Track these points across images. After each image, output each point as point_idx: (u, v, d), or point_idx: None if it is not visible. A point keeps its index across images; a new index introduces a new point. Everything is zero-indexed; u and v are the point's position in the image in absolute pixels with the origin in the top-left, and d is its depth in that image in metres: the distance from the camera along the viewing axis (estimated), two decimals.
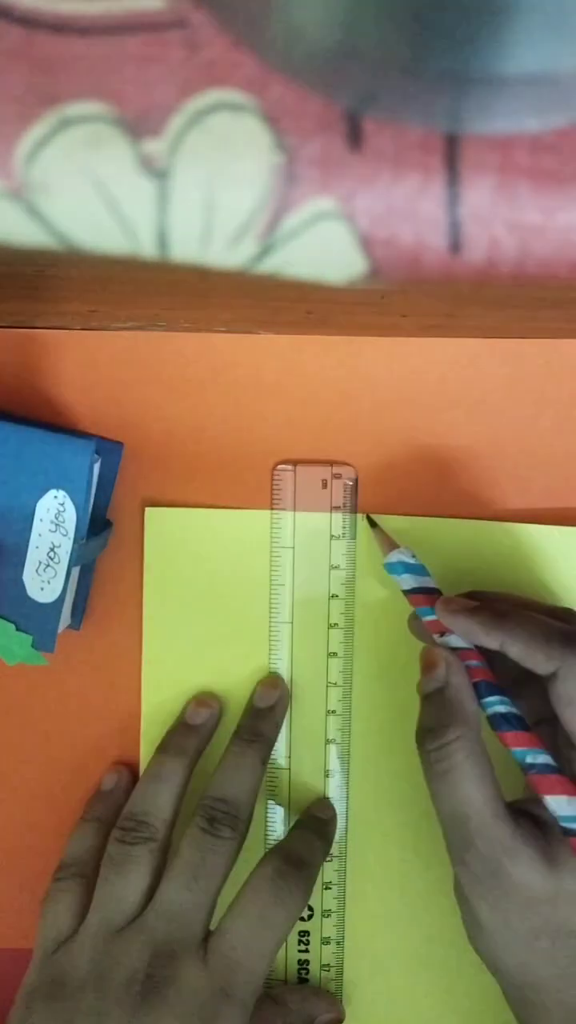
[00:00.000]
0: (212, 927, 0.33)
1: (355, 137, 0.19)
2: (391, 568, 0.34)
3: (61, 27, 0.19)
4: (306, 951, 0.38)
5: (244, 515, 0.37)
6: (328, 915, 0.38)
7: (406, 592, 0.34)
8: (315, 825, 0.36)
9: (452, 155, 0.19)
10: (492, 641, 0.31)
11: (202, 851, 0.33)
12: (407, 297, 0.30)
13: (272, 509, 0.37)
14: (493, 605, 0.32)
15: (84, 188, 0.19)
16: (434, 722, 0.31)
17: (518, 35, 0.17)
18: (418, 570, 0.34)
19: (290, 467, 0.37)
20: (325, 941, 0.38)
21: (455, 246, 0.19)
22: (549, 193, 0.19)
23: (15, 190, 0.19)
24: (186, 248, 0.20)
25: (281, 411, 0.37)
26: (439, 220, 0.19)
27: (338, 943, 0.38)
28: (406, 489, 0.37)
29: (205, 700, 0.37)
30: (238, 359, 0.37)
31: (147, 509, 0.37)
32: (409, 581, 0.34)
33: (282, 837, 0.37)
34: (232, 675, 0.38)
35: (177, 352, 0.37)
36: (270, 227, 0.19)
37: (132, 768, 0.38)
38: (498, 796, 0.30)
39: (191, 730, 0.37)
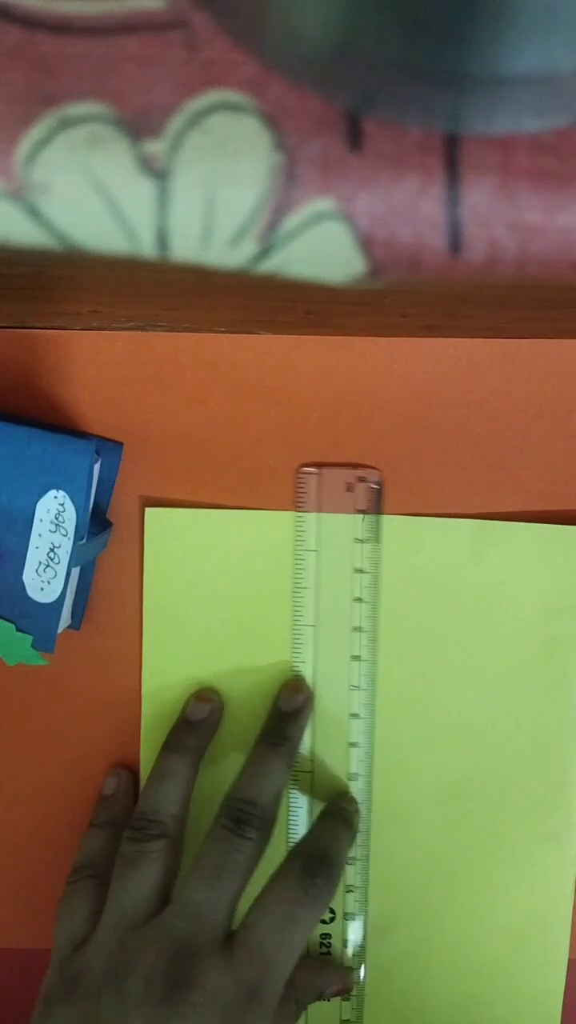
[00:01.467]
0: (232, 927, 0.33)
1: (355, 137, 0.19)
2: None
3: (61, 27, 0.19)
4: (328, 953, 0.38)
5: (246, 515, 0.37)
6: (351, 918, 0.38)
7: None
8: (340, 815, 0.36)
9: (452, 155, 0.19)
10: None
11: (226, 850, 0.33)
12: (407, 297, 0.30)
13: (296, 511, 0.37)
14: None
15: (84, 188, 0.19)
16: None
17: (518, 35, 0.17)
18: None
19: (314, 470, 0.37)
20: (346, 944, 0.38)
21: (455, 246, 0.19)
22: (549, 193, 0.19)
23: (15, 190, 0.19)
24: (186, 248, 0.20)
25: (281, 411, 0.37)
26: (439, 220, 0.19)
27: (359, 945, 0.38)
28: (405, 488, 0.37)
29: (205, 695, 0.37)
30: (238, 359, 0.37)
31: (147, 509, 0.37)
32: None
33: (300, 838, 0.37)
34: (236, 675, 0.38)
35: (177, 352, 0.37)
36: (270, 227, 0.19)
37: (130, 768, 0.38)
38: None
39: (193, 726, 0.37)
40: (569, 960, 0.38)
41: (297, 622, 0.37)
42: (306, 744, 0.38)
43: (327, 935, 0.38)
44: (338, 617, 0.37)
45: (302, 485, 0.37)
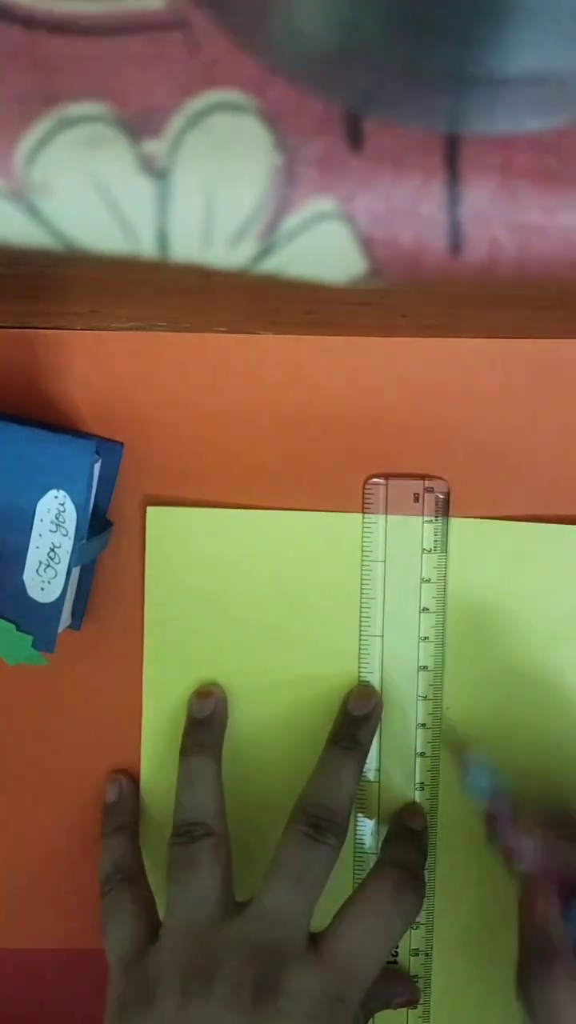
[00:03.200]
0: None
1: (355, 137, 0.19)
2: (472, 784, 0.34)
3: (61, 27, 0.19)
4: (395, 963, 0.38)
5: (247, 515, 0.37)
6: (417, 927, 0.38)
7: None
8: (412, 837, 0.36)
9: (452, 155, 0.19)
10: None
11: (305, 855, 0.33)
12: (407, 297, 0.30)
13: (364, 515, 0.37)
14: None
15: (84, 188, 0.19)
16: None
17: (518, 35, 0.17)
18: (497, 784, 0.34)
19: (382, 481, 0.37)
20: (415, 952, 0.38)
21: (455, 246, 0.19)
22: (549, 193, 0.19)
23: (15, 190, 0.19)
24: (186, 248, 0.20)
25: (281, 411, 0.37)
26: (439, 220, 0.19)
27: (426, 955, 0.38)
28: (406, 488, 0.37)
29: (205, 690, 0.37)
30: (238, 359, 0.37)
31: (148, 508, 0.37)
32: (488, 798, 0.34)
33: (373, 848, 0.37)
34: (240, 672, 0.38)
35: (177, 352, 0.37)
36: (270, 227, 0.19)
37: (129, 772, 0.38)
38: None
39: (203, 724, 0.37)
40: None
41: (364, 632, 0.37)
42: (372, 754, 0.38)
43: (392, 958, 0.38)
44: (403, 625, 0.37)
45: (370, 493, 0.37)
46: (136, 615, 0.38)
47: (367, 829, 0.38)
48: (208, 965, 0.31)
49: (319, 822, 0.33)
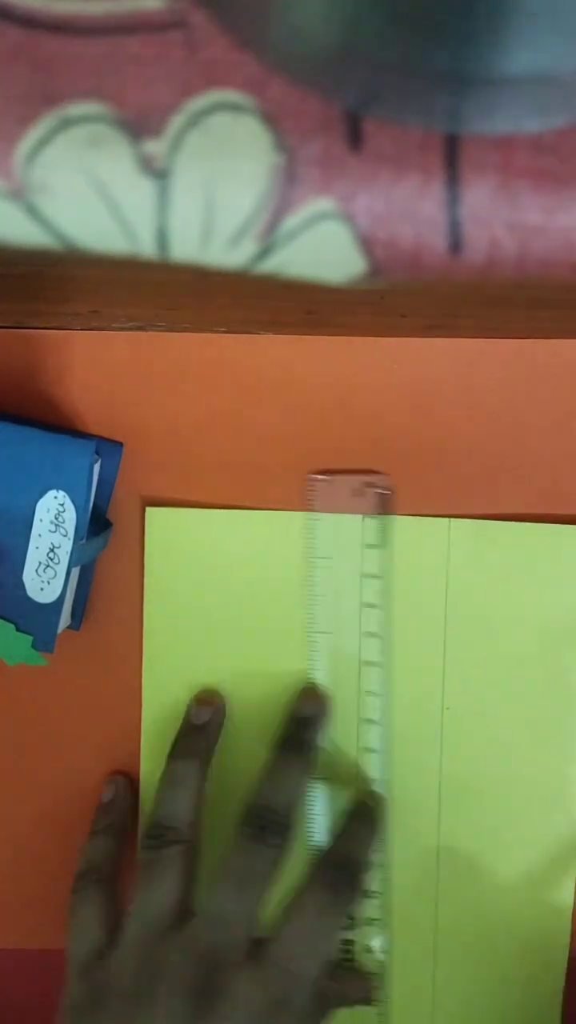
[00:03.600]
0: (256, 935, 0.32)
1: (355, 137, 0.19)
2: None
3: (61, 27, 0.19)
4: (350, 958, 0.38)
5: (244, 515, 0.37)
6: (372, 923, 0.38)
7: None
8: (363, 814, 0.36)
9: (452, 155, 0.19)
10: None
11: (250, 859, 0.33)
12: (407, 297, 0.30)
13: (306, 511, 0.37)
14: None
15: (84, 188, 0.19)
16: None
17: (518, 35, 0.17)
18: None
19: (326, 477, 0.37)
20: (370, 949, 0.38)
21: (455, 246, 0.19)
22: (549, 193, 0.19)
23: (15, 190, 0.19)
24: (186, 248, 0.20)
25: (281, 411, 0.37)
26: (439, 220, 0.19)
27: (383, 950, 0.38)
28: (405, 488, 0.37)
29: (206, 698, 0.37)
30: (238, 359, 0.37)
31: (147, 509, 0.37)
32: None
33: (324, 845, 0.37)
34: (238, 677, 0.38)
35: (177, 352, 0.37)
36: (270, 227, 0.19)
37: (128, 775, 0.38)
38: None
39: (198, 730, 0.37)
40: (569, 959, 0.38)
41: (311, 629, 0.37)
42: (322, 751, 0.37)
43: (349, 941, 0.38)
44: (349, 623, 0.37)
45: (311, 490, 0.37)
46: (136, 615, 0.38)
47: (319, 827, 0.38)
48: (153, 974, 0.31)
49: (262, 823, 0.33)
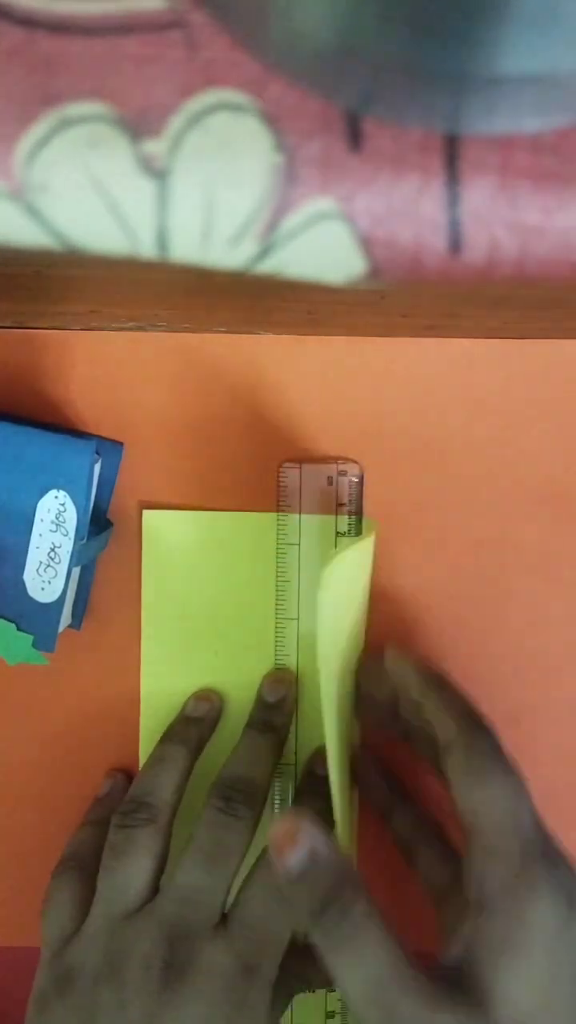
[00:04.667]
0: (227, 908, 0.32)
1: (355, 137, 0.19)
2: None
3: (61, 27, 0.19)
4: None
5: (243, 517, 0.37)
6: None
7: None
8: (316, 792, 0.35)
9: (452, 155, 0.19)
10: (422, 695, 0.31)
11: (218, 831, 0.32)
12: (407, 297, 0.30)
13: (278, 510, 0.37)
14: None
15: (84, 188, 0.19)
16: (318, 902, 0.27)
17: (518, 35, 0.17)
18: None
19: (295, 465, 0.37)
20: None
21: (455, 246, 0.19)
22: (549, 193, 0.19)
23: (15, 190, 0.19)
24: (186, 248, 0.20)
25: (281, 411, 0.37)
26: (439, 220, 0.19)
27: None
28: (407, 488, 0.37)
29: (204, 695, 0.37)
30: (238, 359, 0.37)
31: (144, 512, 0.37)
32: None
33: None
34: (233, 675, 0.38)
35: (177, 352, 0.37)
36: (270, 227, 0.19)
37: (128, 772, 0.38)
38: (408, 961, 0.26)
39: (192, 721, 0.37)
40: None
41: (280, 615, 0.37)
42: (291, 736, 0.38)
43: None
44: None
45: (283, 481, 0.37)
46: (135, 615, 0.38)
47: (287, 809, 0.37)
48: (121, 952, 0.30)
49: (230, 794, 0.33)
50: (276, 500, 0.37)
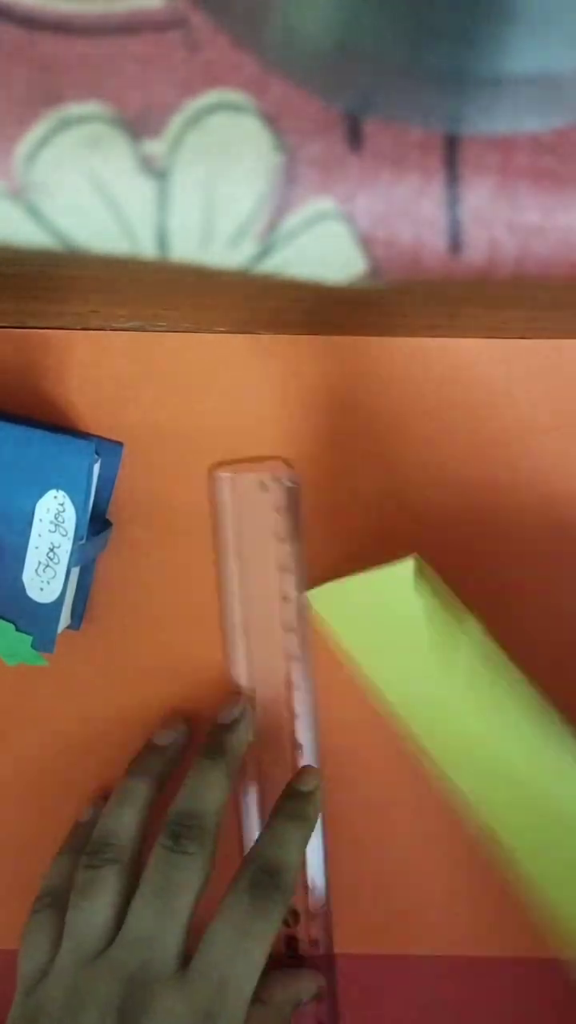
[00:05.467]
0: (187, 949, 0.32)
1: (355, 137, 0.19)
2: None
3: (61, 27, 0.19)
4: (295, 956, 0.37)
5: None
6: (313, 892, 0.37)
7: None
8: (291, 810, 0.34)
9: (452, 155, 0.19)
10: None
11: (168, 870, 0.32)
12: (407, 297, 0.30)
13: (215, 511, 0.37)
14: None
15: (84, 188, 0.19)
16: None
17: (518, 35, 0.17)
18: None
19: (227, 474, 0.36)
20: (313, 942, 0.38)
21: (455, 246, 0.19)
22: (549, 193, 0.19)
23: (15, 190, 0.19)
24: (186, 248, 0.20)
25: (281, 411, 0.37)
26: (439, 220, 0.19)
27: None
28: (406, 486, 0.37)
29: (172, 722, 0.37)
30: (238, 359, 0.37)
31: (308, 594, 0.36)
32: None
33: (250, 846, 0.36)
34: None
35: (177, 352, 0.37)
36: (270, 227, 0.19)
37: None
38: None
39: (156, 750, 0.36)
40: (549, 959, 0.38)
41: (231, 623, 0.37)
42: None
43: (293, 939, 0.37)
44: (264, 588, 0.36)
45: (219, 487, 0.37)
46: (135, 615, 0.38)
47: (253, 827, 0.37)
48: (81, 998, 0.30)
49: (179, 830, 0.32)
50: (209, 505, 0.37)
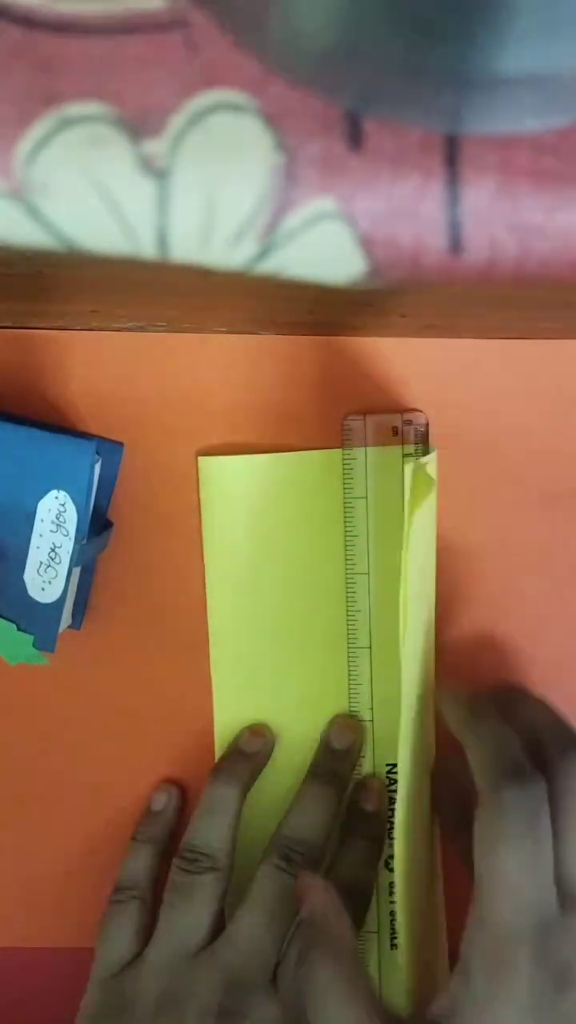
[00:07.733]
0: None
1: (355, 137, 0.19)
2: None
3: (61, 27, 0.19)
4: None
5: (292, 457, 0.36)
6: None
7: None
8: (364, 830, 0.36)
9: (452, 155, 0.19)
10: (461, 738, 0.31)
11: (279, 890, 0.34)
12: (407, 297, 0.30)
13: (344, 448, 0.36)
14: (492, 699, 0.32)
15: (84, 188, 0.19)
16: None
17: (518, 35, 0.17)
18: None
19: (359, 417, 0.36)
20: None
21: (455, 246, 0.19)
22: (549, 193, 0.19)
23: (15, 190, 0.19)
24: (186, 248, 0.20)
25: (281, 411, 0.37)
26: (439, 220, 0.19)
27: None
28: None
29: (259, 730, 0.38)
30: (238, 359, 0.37)
31: (200, 459, 0.36)
32: None
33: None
34: (303, 629, 0.37)
35: (177, 352, 0.37)
36: (270, 227, 0.19)
37: (181, 786, 0.38)
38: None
39: (245, 757, 0.37)
40: None
41: (350, 570, 0.37)
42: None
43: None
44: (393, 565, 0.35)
45: (348, 430, 0.36)
46: (136, 614, 0.38)
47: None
48: (181, 992, 0.32)
49: (292, 855, 0.34)
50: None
